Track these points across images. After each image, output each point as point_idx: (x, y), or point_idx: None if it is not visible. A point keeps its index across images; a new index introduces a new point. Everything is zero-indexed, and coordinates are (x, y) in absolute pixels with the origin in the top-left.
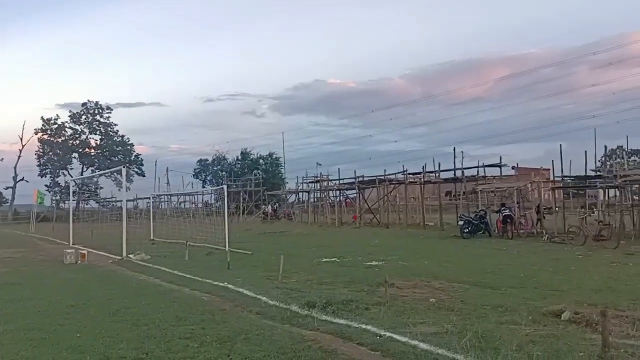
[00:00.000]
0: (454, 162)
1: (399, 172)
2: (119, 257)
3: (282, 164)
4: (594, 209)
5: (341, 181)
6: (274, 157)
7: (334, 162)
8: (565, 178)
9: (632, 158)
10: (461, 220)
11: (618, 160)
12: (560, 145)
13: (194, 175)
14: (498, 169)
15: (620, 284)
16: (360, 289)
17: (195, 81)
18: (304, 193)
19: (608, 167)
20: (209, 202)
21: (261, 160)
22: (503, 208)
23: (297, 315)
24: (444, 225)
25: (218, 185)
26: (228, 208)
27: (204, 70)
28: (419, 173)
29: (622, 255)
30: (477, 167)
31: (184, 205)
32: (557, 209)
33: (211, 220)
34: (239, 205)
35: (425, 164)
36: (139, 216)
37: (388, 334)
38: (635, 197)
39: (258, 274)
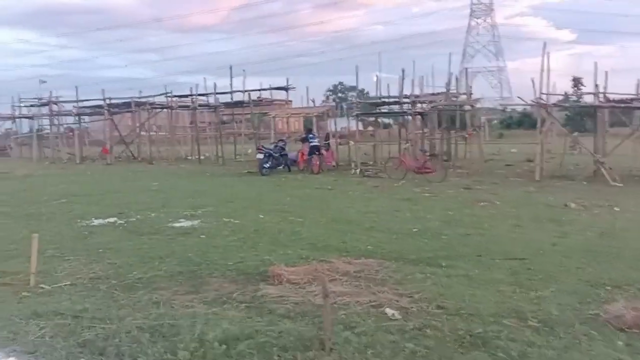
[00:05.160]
0: (231, 85)
1: (160, 95)
2: None
3: None
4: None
5: (81, 104)
6: None
7: (50, 87)
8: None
9: (351, 93)
10: (260, 153)
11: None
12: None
13: None
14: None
15: (558, 240)
16: (219, 293)
17: None
18: (24, 120)
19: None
20: None
21: None
22: (311, 136)
23: None
24: (219, 158)
25: None
26: None
27: None
28: (188, 96)
29: (464, 191)
30: (259, 89)
31: None
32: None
33: None
34: None
35: (197, 85)
36: None
37: None
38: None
39: None
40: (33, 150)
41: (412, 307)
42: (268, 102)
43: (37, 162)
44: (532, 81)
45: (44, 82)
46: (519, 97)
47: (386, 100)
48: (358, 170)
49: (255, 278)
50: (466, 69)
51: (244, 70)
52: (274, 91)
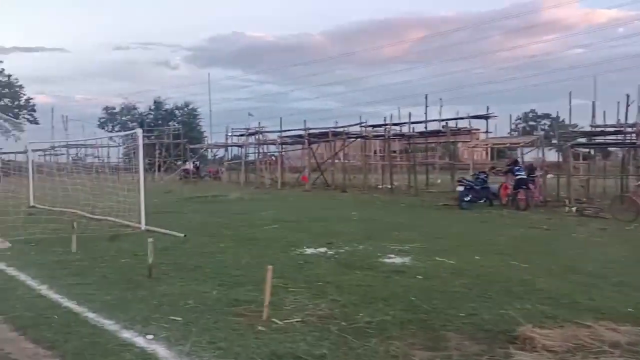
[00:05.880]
0: (426, 113)
1: (354, 125)
2: None
3: (201, 117)
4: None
5: (283, 133)
6: (190, 107)
7: (251, 118)
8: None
9: (543, 121)
10: (461, 185)
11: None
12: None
13: (99, 125)
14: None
15: None
16: (463, 354)
17: (102, 26)
18: (233, 148)
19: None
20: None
21: (177, 111)
22: (517, 168)
23: None
24: (411, 188)
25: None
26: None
27: (113, 15)
28: (381, 125)
29: None
30: (457, 118)
31: (83, 159)
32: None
33: (118, 179)
34: (154, 161)
35: (391, 115)
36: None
37: None
38: None
39: (209, 295)
40: (240, 175)
41: None
42: (466, 131)
43: (243, 186)
44: None
45: (251, 115)
46: None
47: (604, 129)
48: (574, 208)
49: (499, 338)
50: None
51: (440, 99)
52: (457, 120)
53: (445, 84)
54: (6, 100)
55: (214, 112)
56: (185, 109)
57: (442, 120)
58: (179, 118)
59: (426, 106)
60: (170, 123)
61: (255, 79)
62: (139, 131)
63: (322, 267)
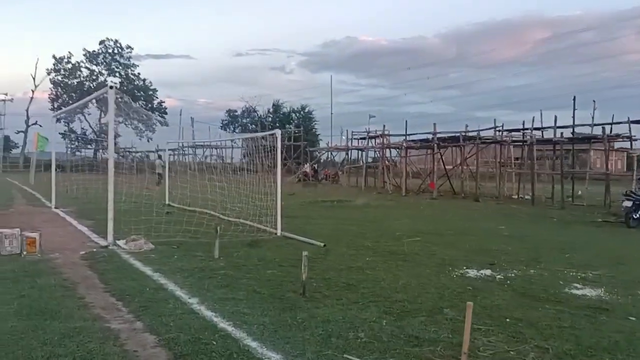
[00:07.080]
0: (574, 116)
1: (488, 128)
2: (103, 244)
3: (316, 120)
4: None
5: (409, 137)
6: (306, 110)
7: (359, 122)
8: None
9: None
10: (628, 199)
11: None
12: None
13: (221, 127)
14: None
15: None
16: None
17: (225, 34)
18: (353, 152)
19: None
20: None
21: (293, 114)
22: None
23: None
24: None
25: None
26: (262, 166)
27: (234, 23)
28: (519, 130)
29: None
30: (613, 123)
31: (209, 160)
32: None
33: (245, 180)
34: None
35: (536, 118)
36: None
37: None
38: None
39: (380, 327)
40: (361, 179)
41: None
42: (626, 137)
43: (364, 191)
44: None
45: (374, 116)
46: None
47: None
48: None
49: None
50: None
51: (594, 101)
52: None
53: (569, 87)
54: (141, 102)
55: (327, 116)
56: (302, 112)
57: (596, 125)
58: (295, 121)
59: (574, 109)
60: (287, 126)
61: (367, 83)
62: (278, 132)
63: (497, 296)
